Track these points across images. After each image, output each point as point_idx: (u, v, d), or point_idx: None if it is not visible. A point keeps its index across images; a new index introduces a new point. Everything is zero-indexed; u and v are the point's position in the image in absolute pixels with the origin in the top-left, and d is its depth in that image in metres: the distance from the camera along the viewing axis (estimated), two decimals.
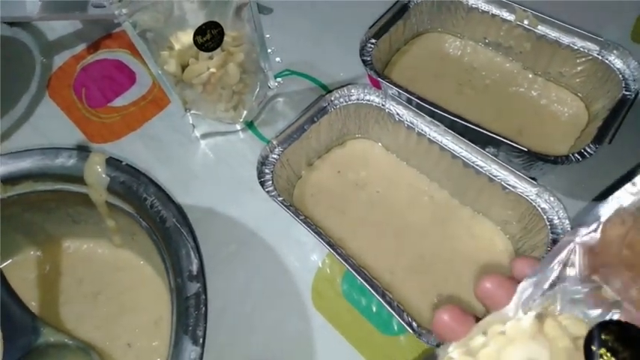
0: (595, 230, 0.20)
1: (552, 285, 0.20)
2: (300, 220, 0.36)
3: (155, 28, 0.37)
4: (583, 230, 0.20)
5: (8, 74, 0.51)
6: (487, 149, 0.39)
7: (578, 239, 0.20)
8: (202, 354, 0.28)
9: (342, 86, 0.42)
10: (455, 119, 0.40)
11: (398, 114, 0.41)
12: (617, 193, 0.20)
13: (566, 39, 0.45)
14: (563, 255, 0.20)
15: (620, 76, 0.42)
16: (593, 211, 0.20)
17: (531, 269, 0.21)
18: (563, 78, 0.47)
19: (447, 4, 0.50)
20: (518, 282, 0.22)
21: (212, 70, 0.40)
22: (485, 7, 0.48)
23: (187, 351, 0.28)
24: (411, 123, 0.41)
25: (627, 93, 0.41)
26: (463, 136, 0.39)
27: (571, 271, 0.20)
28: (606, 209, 0.20)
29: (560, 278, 0.20)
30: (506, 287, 0.22)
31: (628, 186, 0.20)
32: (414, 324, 0.31)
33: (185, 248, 0.32)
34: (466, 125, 0.39)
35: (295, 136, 0.40)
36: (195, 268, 0.31)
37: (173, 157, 0.46)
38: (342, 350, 0.36)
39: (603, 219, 0.20)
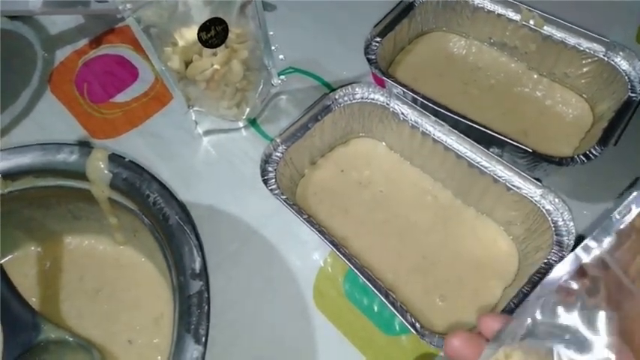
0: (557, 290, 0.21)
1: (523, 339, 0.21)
2: (303, 218, 0.35)
3: (159, 23, 0.37)
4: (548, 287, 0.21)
5: (9, 69, 0.50)
6: (491, 149, 0.38)
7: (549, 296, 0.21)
8: (204, 353, 0.28)
9: (346, 85, 0.42)
10: (459, 119, 0.40)
11: (402, 113, 0.41)
12: (574, 253, 0.21)
13: (571, 40, 0.45)
14: (534, 313, 0.21)
15: (626, 77, 0.42)
16: (554, 272, 0.21)
17: (499, 324, 0.22)
18: (569, 79, 0.47)
19: (453, 3, 0.50)
20: (485, 337, 0.23)
21: (216, 66, 0.39)
22: (490, 6, 0.48)
23: (190, 350, 0.28)
24: (415, 122, 0.40)
25: (633, 95, 0.41)
26: (467, 136, 0.38)
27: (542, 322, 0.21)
28: (565, 267, 0.21)
29: (528, 333, 0.21)
30: (473, 344, 0.23)
31: (585, 244, 0.21)
32: (417, 324, 0.31)
33: (188, 246, 0.32)
34: (470, 125, 0.39)
35: (299, 134, 0.40)
36: (197, 266, 0.31)
37: (175, 154, 0.46)
38: (343, 350, 0.36)
39: (566, 277, 0.21)
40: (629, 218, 0.21)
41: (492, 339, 0.22)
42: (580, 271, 0.21)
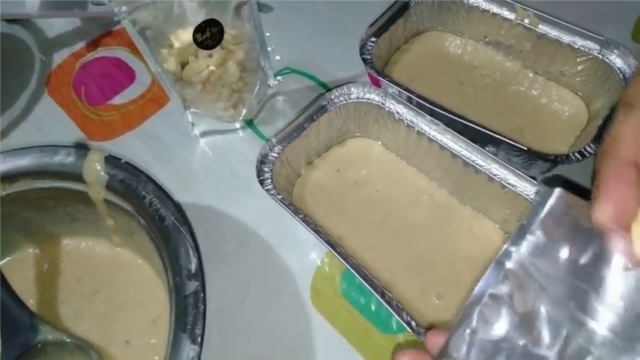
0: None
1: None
2: (300, 218, 0.36)
3: (155, 25, 0.37)
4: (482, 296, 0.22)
5: (7, 72, 0.50)
6: (487, 148, 0.38)
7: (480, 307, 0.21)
8: (200, 353, 0.28)
9: (342, 85, 0.42)
10: (455, 118, 0.40)
11: (398, 113, 0.41)
12: (497, 260, 0.22)
13: (566, 38, 0.45)
14: (471, 323, 0.21)
15: (621, 75, 0.42)
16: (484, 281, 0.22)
17: (443, 339, 0.22)
18: (564, 77, 0.47)
19: (448, 3, 0.50)
20: (432, 356, 0.23)
21: (212, 68, 0.40)
22: (485, 5, 0.48)
23: (186, 350, 0.28)
24: (410, 122, 0.41)
25: None
26: (463, 135, 0.38)
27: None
28: (492, 274, 0.21)
29: (470, 344, 0.21)
30: None
31: (505, 250, 0.21)
32: (413, 323, 0.31)
33: (184, 247, 0.32)
34: (466, 124, 0.39)
35: (295, 134, 0.40)
36: (193, 266, 0.31)
37: (172, 156, 0.46)
38: (340, 349, 0.36)
39: (493, 284, 0.21)
40: (537, 219, 0.21)
41: (438, 355, 0.22)
42: (505, 277, 0.21)
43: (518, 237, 0.22)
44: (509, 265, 0.21)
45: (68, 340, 0.34)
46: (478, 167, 0.38)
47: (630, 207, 0.20)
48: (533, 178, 0.36)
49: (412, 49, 0.51)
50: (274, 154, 0.39)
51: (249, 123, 0.48)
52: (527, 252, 0.21)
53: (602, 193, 0.20)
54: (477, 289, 0.22)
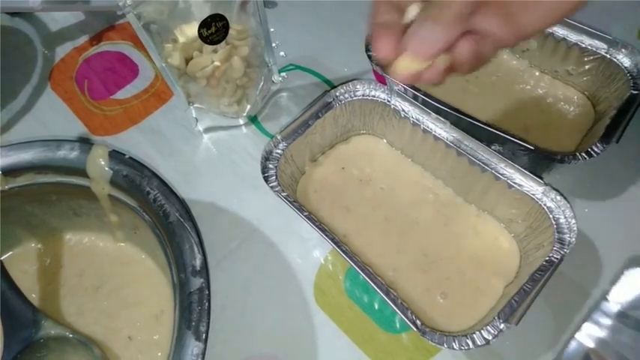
0: None
1: None
2: (304, 216, 0.35)
3: (159, 20, 0.37)
4: None
5: (10, 65, 0.50)
6: (492, 147, 0.38)
7: None
8: (205, 350, 0.28)
9: (347, 81, 0.42)
10: (460, 116, 0.39)
11: (403, 110, 0.41)
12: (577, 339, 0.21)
13: (573, 37, 0.45)
14: None
15: (628, 74, 0.42)
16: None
17: None
18: (570, 76, 0.47)
19: None
20: None
21: (216, 63, 0.39)
22: None
23: (190, 346, 0.28)
24: (416, 119, 0.40)
25: (635, 92, 0.41)
26: (469, 134, 0.38)
27: None
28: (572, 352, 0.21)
29: None
30: None
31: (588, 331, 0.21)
32: (418, 322, 0.31)
33: (188, 243, 0.32)
34: (472, 122, 0.39)
35: (300, 131, 0.40)
36: (198, 263, 0.31)
37: (175, 151, 0.46)
38: (344, 347, 0.36)
39: None
40: (625, 299, 0.21)
41: None
42: (585, 356, 0.21)
43: (601, 316, 0.21)
44: (590, 344, 0.21)
45: (70, 335, 0.34)
46: (484, 166, 0.38)
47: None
48: (540, 177, 0.36)
49: None
50: (279, 151, 0.39)
51: (252, 119, 0.47)
52: (609, 330, 0.21)
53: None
54: None
